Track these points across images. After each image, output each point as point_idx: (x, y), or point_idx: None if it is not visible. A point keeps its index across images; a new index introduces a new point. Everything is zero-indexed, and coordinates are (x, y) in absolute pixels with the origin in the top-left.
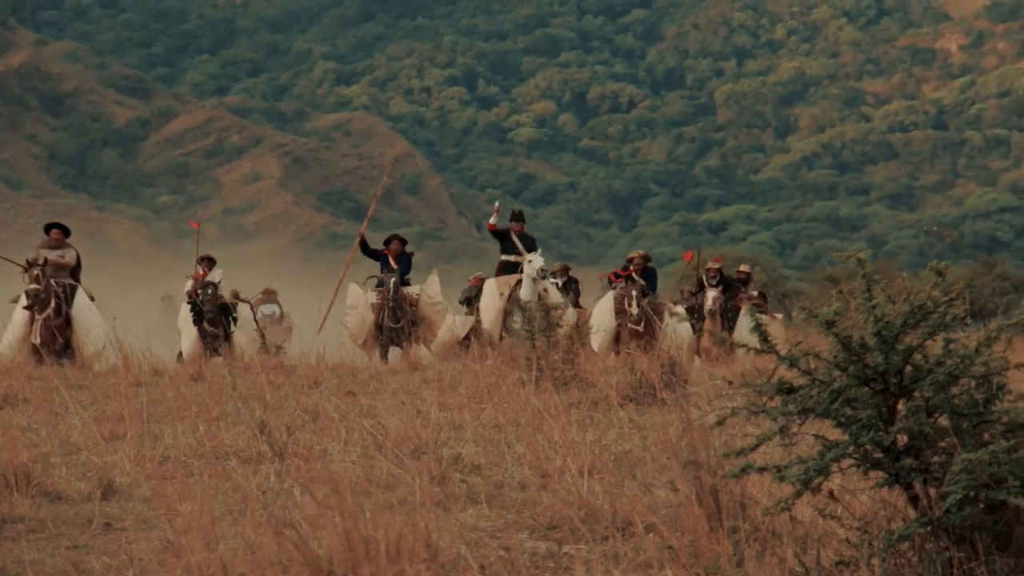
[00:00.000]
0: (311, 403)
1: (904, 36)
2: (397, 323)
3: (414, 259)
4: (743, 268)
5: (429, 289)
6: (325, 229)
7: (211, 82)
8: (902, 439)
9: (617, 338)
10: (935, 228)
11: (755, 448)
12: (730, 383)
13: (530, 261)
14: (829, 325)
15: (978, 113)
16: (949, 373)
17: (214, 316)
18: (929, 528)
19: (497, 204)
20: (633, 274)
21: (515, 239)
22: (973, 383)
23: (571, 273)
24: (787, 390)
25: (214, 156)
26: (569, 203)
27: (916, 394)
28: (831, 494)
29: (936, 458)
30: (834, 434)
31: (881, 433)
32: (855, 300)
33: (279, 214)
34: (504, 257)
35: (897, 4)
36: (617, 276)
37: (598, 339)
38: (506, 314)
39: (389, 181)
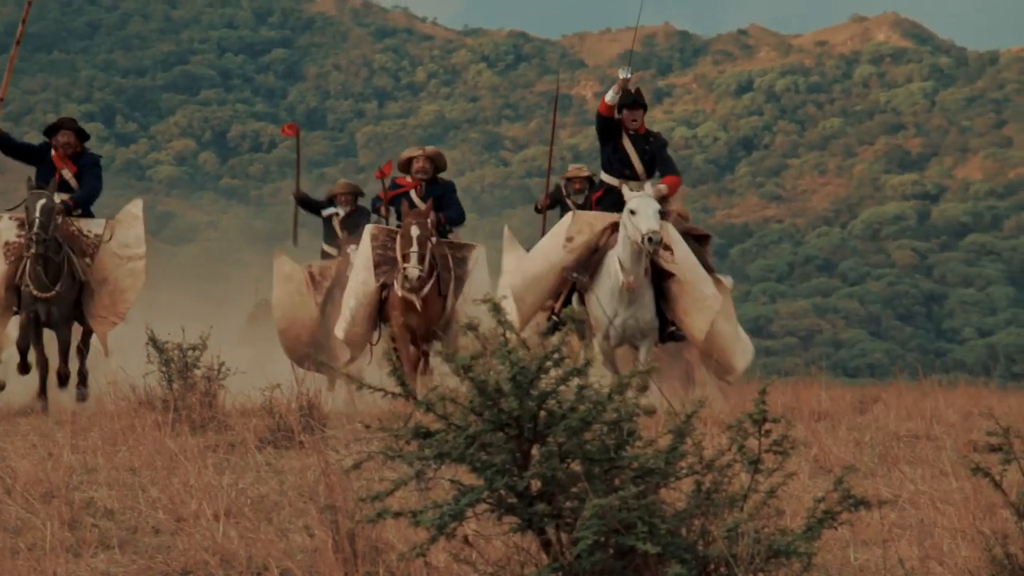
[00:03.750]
0: None
1: (541, 82)
2: (47, 290)
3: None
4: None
5: (126, 231)
6: None
7: None
8: (536, 484)
9: (382, 312)
10: (573, 275)
11: (391, 493)
12: (367, 427)
13: (633, 212)
14: (465, 370)
15: None
16: (582, 419)
17: None
18: (560, 573)
19: (625, 74)
20: (413, 191)
21: (626, 140)
22: (605, 429)
23: (360, 202)
24: (424, 435)
25: None
26: (209, 241)
27: (550, 439)
28: (466, 539)
29: (568, 503)
30: (470, 479)
31: (515, 478)
32: (491, 344)
33: None
34: (604, 177)
35: (534, 51)
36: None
37: (346, 315)
38: (572, 274)
39: None
